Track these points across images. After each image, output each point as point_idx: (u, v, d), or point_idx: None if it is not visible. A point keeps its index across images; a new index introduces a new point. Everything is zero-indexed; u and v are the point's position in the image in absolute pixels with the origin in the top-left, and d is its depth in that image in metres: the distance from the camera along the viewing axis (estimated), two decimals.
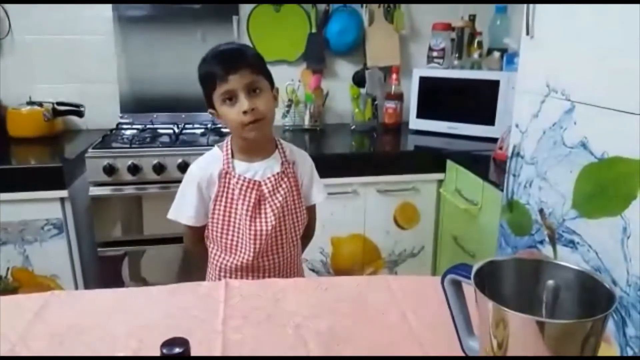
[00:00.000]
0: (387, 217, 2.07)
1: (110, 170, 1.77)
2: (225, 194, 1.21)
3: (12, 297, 1.09)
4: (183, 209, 1.24)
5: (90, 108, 2.23)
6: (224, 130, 2.10)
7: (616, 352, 1.05)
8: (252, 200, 1.20)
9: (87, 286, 1.96)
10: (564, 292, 0.67)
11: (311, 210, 1.36)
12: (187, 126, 2.15)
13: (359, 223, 2.05)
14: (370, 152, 2.18)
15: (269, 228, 1.21)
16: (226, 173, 1.21)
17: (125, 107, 2.27)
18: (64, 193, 1.78)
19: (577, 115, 1.19)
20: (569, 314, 0.66)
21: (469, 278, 0.68)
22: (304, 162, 1.32)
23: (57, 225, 1.82)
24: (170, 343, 0.63)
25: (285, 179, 1.24)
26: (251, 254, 1.22)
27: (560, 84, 1.25)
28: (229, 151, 1.22)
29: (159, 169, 1.80)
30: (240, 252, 1.23)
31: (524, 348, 0.61)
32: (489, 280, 0.66)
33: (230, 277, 1.25)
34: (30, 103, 2.17)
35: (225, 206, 1.21)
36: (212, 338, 0.90)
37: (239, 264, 1.24)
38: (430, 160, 2.07)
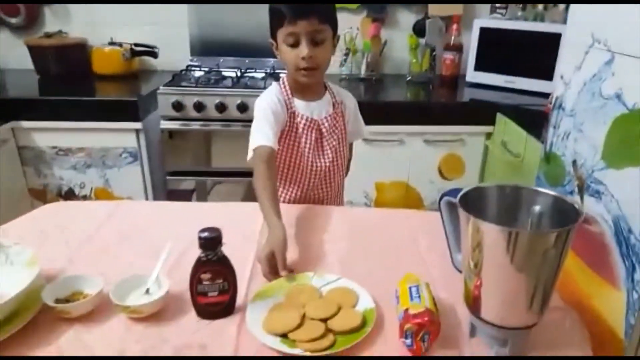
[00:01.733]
0: (432, 167, 2.13)
1: (178, 106, 1.96)
2: (290, 131, 1.28)
3: (89, 202, 1.32)
4: (264, 134, 1.19)
5: (163, 50, 2.42)
6: (282, 75, 2.21)
7: (623, 297, 1.10)
8: (313, 138, 1.29)
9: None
10: (545, 217, 0.76)
11: (351, 146, 1.46)
12: (249, 70, 2.29)
13: (403, 170, 2.13)
14: (422, 102, 2.22)
15: (327, 164, 1.33)
16: (292, 112, 1.27)
17: (195, 50, 2.44)
18: (138, 125, 2.00)
19: (616, 66, 1.19)
20: None
21: (453, 199, 0.78)
22: (350, 102, 1.40)
23: (133, 153, 2.06)
24: (206, 230, 0.78)
25: (338, 119, 1.34)
26: (306, 187, 1.34)
27: (604, 34, 1.24)
28: (288, 90, 1.28)
29: (221, 107, 1.97)
30: (298, 185, 1.33)
31: (496, 258, 0.71)
32: (475, 204, 0.75)
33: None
34: (112, 43, 2.39)
35: (289, 142, 1.29)
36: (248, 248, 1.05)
37: (294, 196, 1.35)
38: (481, 112, 2.08)
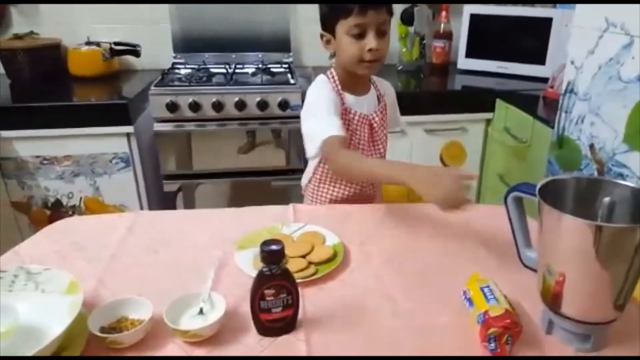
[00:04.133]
0: (433, 156, 2.12)
1: (172, 107, 1.87)
2: (345, 127, 1.20)
3: (102, 215, 1.23)
4: (334, 125, 1.13)
5: (144, 48, 2.30)
6: (274, 70, 2.16)
7: None
8: (366, 134, 1.25)
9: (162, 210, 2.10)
10: (619, 208, 0.74)
11: None
12: (238, 66, 2.21)
13: (406, 161, 2.10)
14: (417, 92, 2.20)
15: (379, 156, 1.29)
16: (345, 108, 1.22)
17: (178, 47, 2.33)
18: (129, 129, 1.90)
19: (636, 50, 1.19)
20: None
21: (531, 194, 0.76)
22: (391, 91, 1.38)
23: (124, 159, 1.96)
24: (268, 243, 0.73)
25: (384, 112, 1.31)
26: (360, 185, 1.31)
27: (619, 18, 1.24)
28: (339, 85, 1.23)
29: (218, 106, 1.89)
30: (346, 184, 1.30)
31: (582, 253, 0.68)
32: (551, 196, 0.72)
33: None
34: (89, 43, 2.26)
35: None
36: None
37: (348, 193, 1.30)
38: (479, 99, 2.08)
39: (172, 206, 2.07)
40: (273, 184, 2.03)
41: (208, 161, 2.03)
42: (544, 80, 1.96)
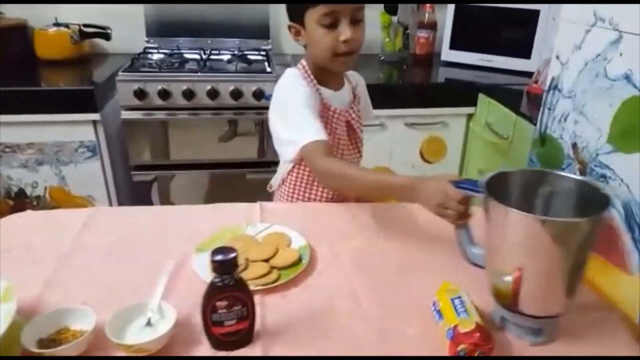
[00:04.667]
0: (413, 151, 2.07)
1: (141, 94, 1.78)
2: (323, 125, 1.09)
3: (58, 210, 1.15)
4: (316, 129, 1.03)
5: (116, 31, 2.19)
6: (251, 57, 2.07)
7: (637, 281, 1.07)
8: (344, 130, 1.17)
9: (121, 206, 2.02)
10: (562, 199, 0.75)
11: None
12: (213, 52, 2.12)
13: (384, 156, 2.05)
14: (399, 84, 2.14)
15: (359, 156, 1.22)
16: (324, 104, 1.11)
17: (151, 31, 2.23)
18: (96, 116, 1.80)
19: (624, 46, 1.14)
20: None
21: (474, 191, 0.76)
22: (361, 83, 1.28)
23: (91, 147, 1.86)
24: (219, 251, 0.66)
25: (358, 106, 1.22)
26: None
27: (608, 13, 1.19)
28: (313, 79, 1.11)
29: (189, 95, 1.80)
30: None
31: (525, 247, 0.69)
32: (497, 190, 0.72)
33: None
34: (57, 24, 2.14)
35: None
36: None
37: (327, 196, 1.19)
38: (461, 93, 2.03)
39: (144, 198, 2.00)
40: (247, 177, 1.95)
41: (179, 152, 1.94)
42: (529, 74, 1.92)
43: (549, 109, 1.44)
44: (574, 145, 1.33)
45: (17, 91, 1.77)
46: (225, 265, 0.66)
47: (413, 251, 0.97)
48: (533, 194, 0.77)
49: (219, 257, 0.66)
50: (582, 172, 1.30)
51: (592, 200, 0.71)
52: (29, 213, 1.13)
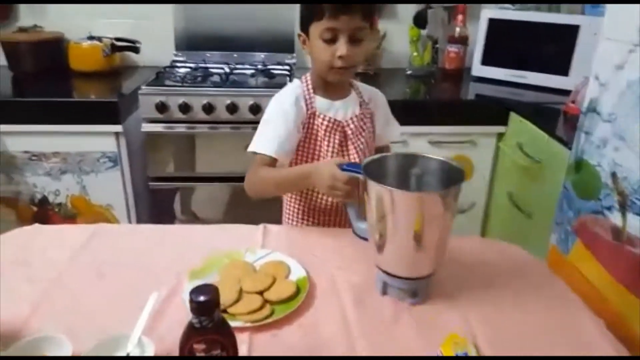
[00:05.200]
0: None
1: (162, 107, 1.78)
2: (311, 134, 1.16)
3: (64, 226, 1.14)
4: (267, 141, 1.11)
5: (146, 45, 2.22)
6: (274, 72, 2.04)
7: None
8: (337, 140, 1.17)
9: (140, 217, 2.03)
10: (429, 178, 0.88)
11: (387, 149, 1.31)
12: (237, 66, 2.10)
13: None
14: (426, 99, 2.06)
15: None
16: (312, 113, 1.15)
17: (180, 44, 2.24)
18: (118, 128, 1.81)
19: None
20: None
21: (357, 172, 0.86)
22: (378, 100, 1.27)
23: (112, 158, 1.87)
24: (199, 290, 0.61)
25: (366, 120, 1.21)
26: (330, 197, 1.17)
27: None
28: (310, 87, 1.17)
29: (209, 109, 1.78)
30: (321, 193, 1.20)
31: (399, 219, 0.80)
32: (375, 172, 0.84)
33: (311, 220, 1.23)
34: (90, 38, 2.19)
35: (310, 146, 1.17)
36: None
37: (322, 205, 1.21)
38: (491, 111, 1.93)
39: (164, 209, 1.99)
40: None
41: (200, 164, 1.93)
42: (566, 92, 1.80)
43: (586, 132, 1.33)
44: (614, 175, 1.22)
45: (45, 102, 1.81)
46: (204, 307, 0.61)
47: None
48: (406, 175, 0.89)
49: (197, 298, 0.61)
50: (622, 205, 1.19)
51: (452, 177, 0.84)
52: (36, 227, 1.12)
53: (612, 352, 0.76)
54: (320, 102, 1.16)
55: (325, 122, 1.15)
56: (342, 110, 1.18)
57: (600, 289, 1.16)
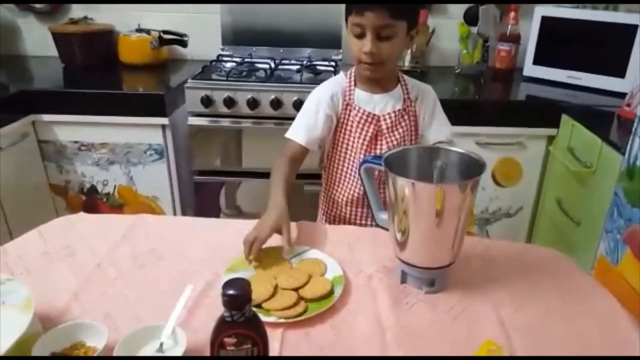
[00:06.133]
0: (485, 173, 1.92)
1: (207, 101, 1.80)
2: (344, 125, 1.20)
3: (107, 215, 1.17)
4: (298, 129, 1.20)
5: (193, 38, 2.25)
6: (319, 67, 2.04)
7: None
8: (370, 133, 1.18)
9: (184, 209, 2.08)
10: (450, 170, 0.88)
11: None
12: (283, 61, 2.11)
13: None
14: (475, 99, 2.00)
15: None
16: (347, 104, 1.18)
17: (227, 39, 2.27)
18: (165, 120, 1.86)
19: None
20: None
21: (379, 165, 0.86)
22: (427, 98, 1.26)
23: (159, 150, 1.92)
24: (232, 284, 0.62)
25: (406, 117, 1.21)
26: (359, 189, 1.21)
27: None
28: (352, 79, 1.20)
29: (253, 104, 1.80)
30: (352, 184, 1.23)
31: (418, 210, 0.82)
32: (397, 165, 0.85)
33: (342, 211, 1.26)
34: (139, 30, 2.24)
35: (343, 137, 1.20)
36: None
37: (350, 196, 1.23)
38: (542, 112, 1.85)
39: (209, 202, 2.02)
40: (305, 188, 1.91)
41: (244, 159, 1.95)
42: (622, 95, 1.71)
43: None
44: None
45: (95, 94, 1.87)
46: (235, 301, 0.61)
47: (461, 297, 0.87)
48: (428, 167, 0.90)
49: (229, 291, 0.61)
50: None
51: (473, 169, 0.85)
52: (80, 215, 1.15)
53: None
54: (360, 95, 1.18)
55: (360, 114, 1.17)
56: (381, 104, 1.18)
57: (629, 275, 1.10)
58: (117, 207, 2.02)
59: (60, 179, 1.99)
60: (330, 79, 1.25)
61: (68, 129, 1.90)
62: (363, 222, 1.25)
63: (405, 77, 1.24)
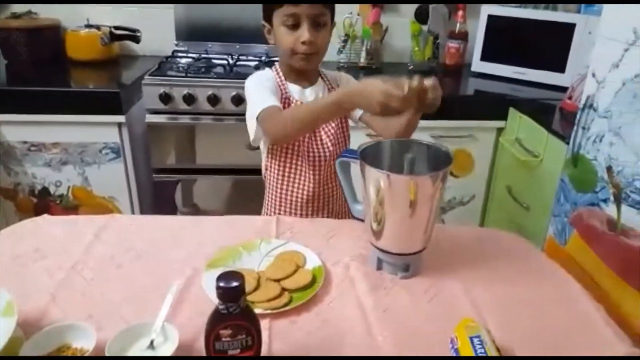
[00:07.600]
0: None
1: (166, 98, 1.78)
2: None
3: (74, 217, 1.14)
4: (268, 97, 1.11)
5: (145, 34, 2.20)
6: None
7: None
8: None
9: (143, 208, 2.04)
10: (420, 162, 0.93)
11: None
12: (241, 57, 2.11)
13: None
14: None
15: (327, 155, 1.21)
16: (286, 98, 1.18)
17: (181, 34, 2.24)
18: (121, 118, 1.81)
19: None
20: None
21: (355, 158, 0.89)
22: (343, 80, 1.29)
23: (115, 149, 1.87)
24: (225, 277, 0.64)
25: None
26: (312, 183, 1.21)
27: None
28: (281, 74, 1.20)
29: (214, 100, 1.79)
30: (302, 181, 1.23)
31: (393, 200, 0.86)
32: (371, 158, 0.88)
33: (289, 213, 1.25)
34: (88, 26, 2.17)
35: None
36: None
37: (300, 194, 1.23)
38: (491, 106, 1.96)
39: (166, 200, 2.00)
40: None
41: (203, 156, 1.94)
42: (563, 89, 1.84)
43: (583, 128, 1.37)
44: (609, 169, 1.26)
45: (45, 91, 1.80)
46: (232, 293, 0.63)
47: (435, 280, 0.92)
48: (400, 159, 0.93)
49: (224, 284, 0.63)
50: (617, 197, 1.23)
51: (441, 160, 0.90)
52: (45, 217, 1.12)
53: (610, 331, 0.81)
54: (292, 88, 1.20)
55: None
56: (311, 96, 1.21)
57: (596, 278, 1.21)
58: (71, 208, 1.95)
59: (9, 181, 1.90)
60: (259, 73, 1.22)
61: (15, 128, 1.82)
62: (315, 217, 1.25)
63: (322, 69, 1.26)
